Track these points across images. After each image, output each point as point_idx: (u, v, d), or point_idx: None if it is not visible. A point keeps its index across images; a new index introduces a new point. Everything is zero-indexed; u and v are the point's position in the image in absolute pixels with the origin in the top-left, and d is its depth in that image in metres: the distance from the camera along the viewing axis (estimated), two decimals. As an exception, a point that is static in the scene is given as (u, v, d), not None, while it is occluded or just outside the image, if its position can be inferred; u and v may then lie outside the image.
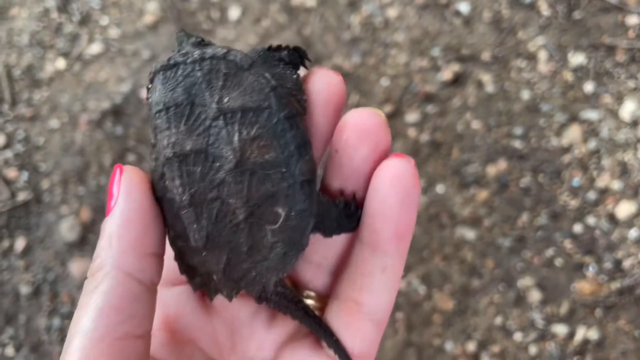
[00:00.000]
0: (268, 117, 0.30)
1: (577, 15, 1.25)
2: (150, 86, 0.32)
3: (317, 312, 0.36)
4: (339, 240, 0.35)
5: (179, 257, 0.33)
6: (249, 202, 0.30)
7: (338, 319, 0.35)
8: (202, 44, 0.34)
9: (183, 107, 0.30)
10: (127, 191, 0.30)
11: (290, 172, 0.30)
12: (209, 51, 0.31)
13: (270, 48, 0.33)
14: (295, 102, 0.32)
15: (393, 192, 0.30)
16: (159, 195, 0.31)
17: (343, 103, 0.33)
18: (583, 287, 1.06)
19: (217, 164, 0.30)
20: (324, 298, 0.37)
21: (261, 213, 0.30)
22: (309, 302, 0.37)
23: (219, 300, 0.36)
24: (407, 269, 1.10)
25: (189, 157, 0.30)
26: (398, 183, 0.30)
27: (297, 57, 0.35)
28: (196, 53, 0.31)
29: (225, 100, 0.30)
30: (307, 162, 0.31)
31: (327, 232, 0.34)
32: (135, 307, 0.29)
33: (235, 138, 0.30)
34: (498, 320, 1.06)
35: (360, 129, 0.31)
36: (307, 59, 0.36)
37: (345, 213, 0.33)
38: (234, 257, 0.32)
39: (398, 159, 0.31)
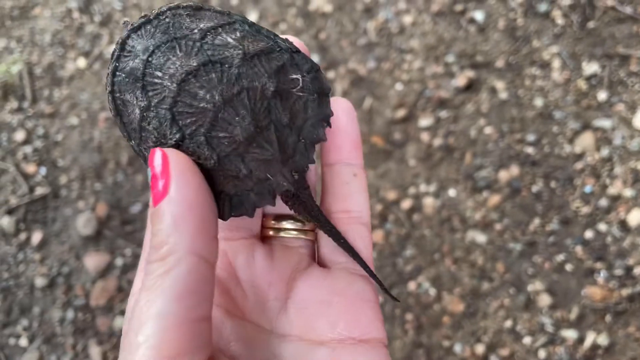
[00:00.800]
0: (241, 25, 0.35)
1: (591, 24, 1.25)
2: (118, 54, 0.34)
3: (309, 234, 0.42)
4: (313, 173, 0.42)
5: (219, 196, 0.34)
6: (271, 75, 0.34)
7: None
8: None
9: (170, 42, 0.33)
10: (179, 174, 0.29)
11: (283, 49, 0.35)
12: (163, 7, 0.35)
13: None
14: None
15: (345, 116, 0.41)
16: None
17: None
18: (594, 292, 1.06)
19: (226, 65, 0.33)
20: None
21: (283, 83, 0.35)
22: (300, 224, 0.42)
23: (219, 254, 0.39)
24: (418, 270, 1.11)
25: (199, 71, 0.32)
26: (347, 110, 0.41)
27: None
28: (154, 12, 0.34)
29: (201, 25, 0.34)
30: (288, 41, 0.37)
31: None
32: (206, 289, 0.29)
33: (230, 39, 0.33)
34: (507, 323, 1.07)
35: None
36: None
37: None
38: (280, 134, 0.34)
39: (342, 98, 0.41)
